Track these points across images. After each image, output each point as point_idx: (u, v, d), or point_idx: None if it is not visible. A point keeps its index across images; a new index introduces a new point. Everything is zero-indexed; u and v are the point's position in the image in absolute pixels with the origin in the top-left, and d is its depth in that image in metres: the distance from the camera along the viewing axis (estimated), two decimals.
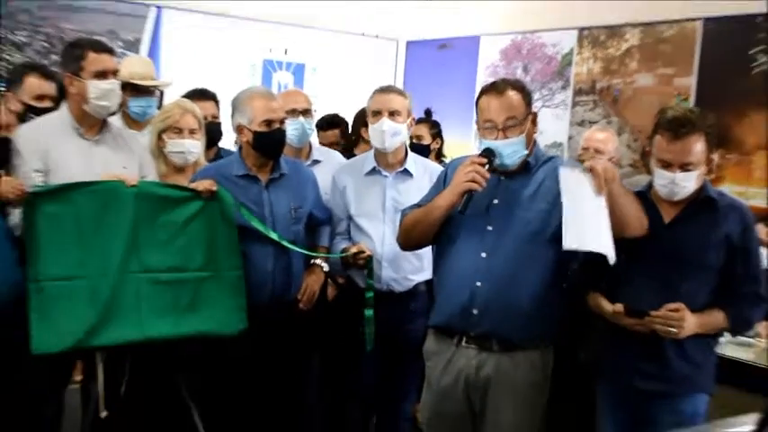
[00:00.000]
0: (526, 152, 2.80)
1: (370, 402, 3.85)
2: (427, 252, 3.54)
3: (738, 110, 4.78)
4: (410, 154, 3.71)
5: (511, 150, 2.77)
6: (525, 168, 2.84)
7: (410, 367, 3.65)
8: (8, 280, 3.06)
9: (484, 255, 2.79)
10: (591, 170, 2.46)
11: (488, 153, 2.76)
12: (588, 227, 2.44)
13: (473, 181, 2.69)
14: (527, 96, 2.82)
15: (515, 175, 2.84)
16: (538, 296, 2.75)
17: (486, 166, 2.72)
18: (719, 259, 2.82)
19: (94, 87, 3.27)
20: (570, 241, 2.45)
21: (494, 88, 2.82)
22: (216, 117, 4.10)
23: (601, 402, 3.01)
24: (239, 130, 3.43)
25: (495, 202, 2.82)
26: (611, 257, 2.49)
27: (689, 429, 2.46)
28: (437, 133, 5.02)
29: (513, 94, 2.78)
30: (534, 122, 2.84)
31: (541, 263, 2.77)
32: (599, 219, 2.45)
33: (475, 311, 2.79)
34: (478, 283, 2.78)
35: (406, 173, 3.64)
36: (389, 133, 3.55)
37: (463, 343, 2.84)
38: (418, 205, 2.99)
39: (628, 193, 2.66)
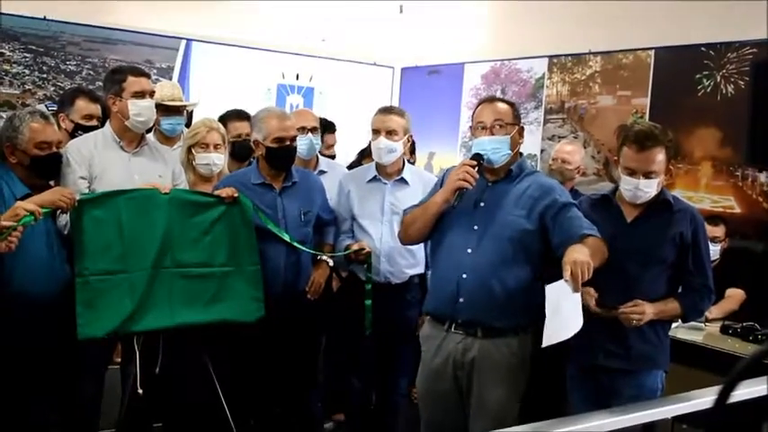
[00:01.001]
0: (509, 153, 2.79)
1: (370, 379, 3.81)
2: (420, 249, 3.53)
3: (687, 126, 4.78)
4: (407, 165, 3.68)
5: (495, 146, 2.76)
6: (509, 176, 2.83)
7: (405, 349, 3.62)
8: (58, 275, 3.04)
9: (469, 251, 2.76)
10: (571, 276, 2.35)
11: (478, 157, 2.76)
12: (562, 327, 2.39)
13: (464, 180, 2.69)
14: (515, 110, 2.86)
15: (501, 182, 2.83)
16: (515, 289, 2.71)
17: (476, 168, 2.73)
18: (673, 254, 2.79)
19: (134, 105, 3.29)
20: (547, 341, 2.39)
21: (488, 99, 2.94)
22: (249, 135, 4.02)
23: (570, 378, 2.97)
24: (255, 144, 3.40)
25: (482, 204, 2.80)
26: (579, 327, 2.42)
27: (650, 401, 2.41)
28: (412, 148, 5.06)
29: (502, 104, 2.85)
30: (521, 134, 2.85)
31: (519, 260, 2.73)
32: (572, 313, 2.39)
33: (461, 300, 2.75)
34: (464, 276, 2.75)
35: (403, 181, 3.61)
36: (385, 150, 3.52)
37: (452, 329, 2.81)
38: (417, 206, 2.96)
39: (596, 253, 2.53)
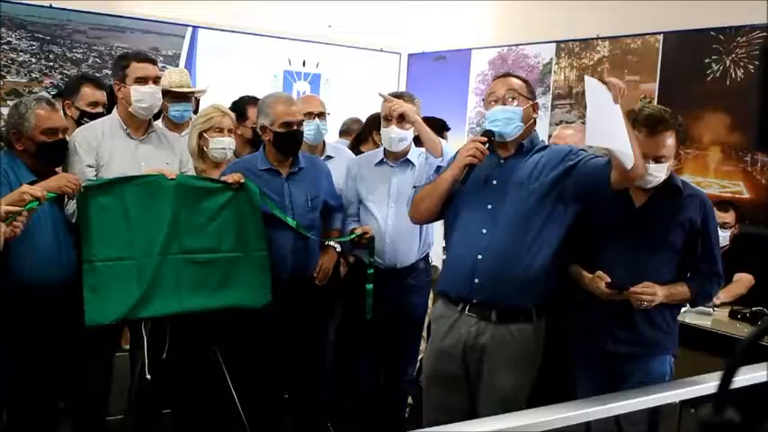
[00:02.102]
0: (521, 125, 2.74)
1: (377, 364, 3.81)
2: (426, 232, 3.52)
3: (695, 111, 4.73)
4: (413, 147, 3.66)
5: (508, 116, 2.72)
6: (521, 152, 2.78)
7: (411, 334, 3.64)
8: (65, 262, 3.04)
9: (484, 230, 2.72)
10: (608, 83, 2.35)
11: (489, 134, 2.72)
12: (608, 129, 2.34)
13: (473, 156, 2.65)
14: (529, 86, 2.83)
15: (512, 158, 2.78)
16: (531, 268, 2.67)
17: (486, 145, 2.68)
18: (682, 240, 2.76)
19: (135, 91, 3.27)
20: (590, 139, 2.36)
21: (502, 74, 2.91)
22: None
23: (577, 363, 2.95)
24: (263, 130, 3.39)
25: (495, 182, 2.76)
26: (629, 158, 2.36)
27: (658, 385, 2.41)
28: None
29: (515, 79, 2.82)
30: (534, 110, 2.81)
31: (535, 238, 2.68)
32: (617, 122, 2.35)
33: (476, 280, 2.71)
34: (479, 256, 2.71)
35: (409, 162, 3.60)
36: (396, 139, 3.52)
37: (466, 311, 2.76)
38: (428, 184, 2.94)
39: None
